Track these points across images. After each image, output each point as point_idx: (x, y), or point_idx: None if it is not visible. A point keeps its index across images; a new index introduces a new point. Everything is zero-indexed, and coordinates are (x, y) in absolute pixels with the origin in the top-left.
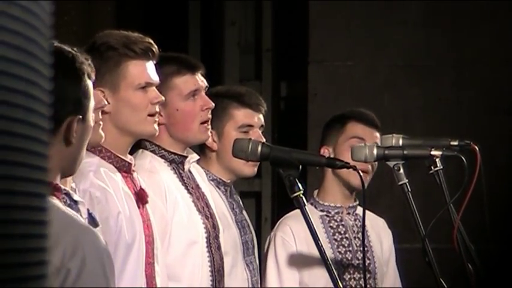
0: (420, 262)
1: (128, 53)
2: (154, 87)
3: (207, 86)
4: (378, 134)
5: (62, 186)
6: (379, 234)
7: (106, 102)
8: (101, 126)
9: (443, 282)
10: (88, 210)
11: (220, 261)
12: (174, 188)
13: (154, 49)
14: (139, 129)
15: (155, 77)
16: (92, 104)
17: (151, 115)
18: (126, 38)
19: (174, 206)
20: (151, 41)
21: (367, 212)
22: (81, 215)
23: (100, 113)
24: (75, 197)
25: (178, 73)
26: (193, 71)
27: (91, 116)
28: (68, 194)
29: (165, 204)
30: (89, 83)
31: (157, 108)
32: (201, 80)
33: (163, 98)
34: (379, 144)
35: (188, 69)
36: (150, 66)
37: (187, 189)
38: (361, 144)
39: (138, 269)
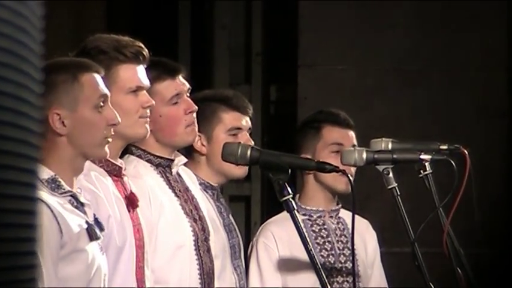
0: (410, 266)
1: (119, 56)
2: (145, 91)
3: (189, 88)
4: (352, 133)
5: (68, 188)
6: (363, 236)
7: (119, 120)
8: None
9: (432, 286)
10: (94, 214)
11: (210, 264)
12: (159, 192)
13: (145, 53)
14: (131, 132)
15: (146, 81)
16: None
17: (143, 118)
18: (116, 42)
19: (160, 210)
20: (142, 45)
21: (351, 214)
22: (87, 217)
23: (112, 130)
24: (82, 199)
25: (159, 78)
26: (174, 75)
27: None
28: (74, 196)
29: (150, 209)
30: None
31: (148, 112)
32: (182, 83)
33: (153, 101)
34: (355, 143)
35: (168, 74)
36: (141, 70)
37: (175, 193)
38: (351, 148)
39: (128, 273)
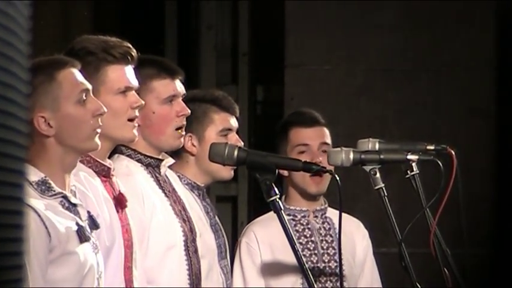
0: (397, 266)
1: (107, 57)
2: (133, 92)
3: (184, 94)
4: (322, 130)
5: (58, 189)
6: (352, 236)
7: (105, 110)
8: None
9: (419, 287)
10: (89, 212)
11: (197, 265)
12: (151, 192)
13: (133, 53)
14: (119, 134)
15: (134, 81)
16: None
17: (131, 120)
18: (104, 43)
19: (152, 210)
20: (130, 45)
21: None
22: (80, 218)
23: (99, 120)
24: (73, 199)
25: (159, 76)
26: (173, 76)
27: None
28: (65, 197)
29: (143, 208)
30: None
31: (137, 113)
32: (179, 86)
33: (143, 102)
34: (327, 141)
35: (168, 74)
36: (129, 70)
37: (165, 193)
38: (337, 148)
39: (117, 273)
